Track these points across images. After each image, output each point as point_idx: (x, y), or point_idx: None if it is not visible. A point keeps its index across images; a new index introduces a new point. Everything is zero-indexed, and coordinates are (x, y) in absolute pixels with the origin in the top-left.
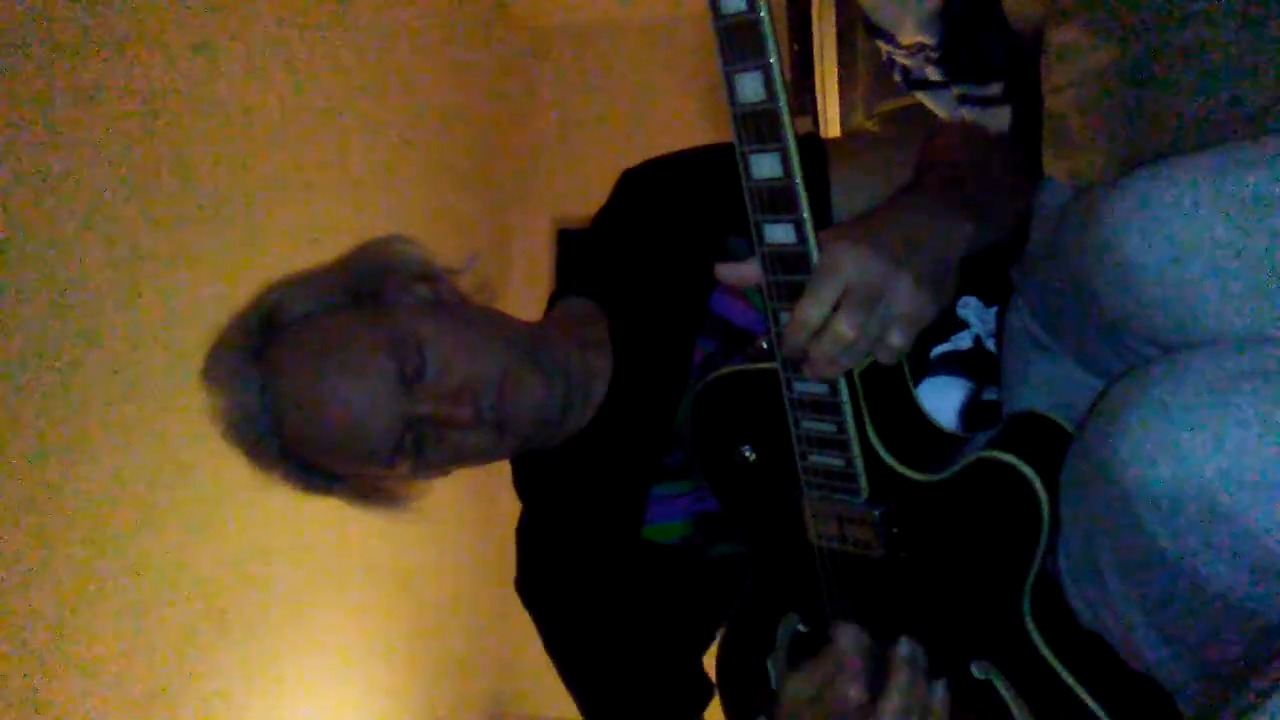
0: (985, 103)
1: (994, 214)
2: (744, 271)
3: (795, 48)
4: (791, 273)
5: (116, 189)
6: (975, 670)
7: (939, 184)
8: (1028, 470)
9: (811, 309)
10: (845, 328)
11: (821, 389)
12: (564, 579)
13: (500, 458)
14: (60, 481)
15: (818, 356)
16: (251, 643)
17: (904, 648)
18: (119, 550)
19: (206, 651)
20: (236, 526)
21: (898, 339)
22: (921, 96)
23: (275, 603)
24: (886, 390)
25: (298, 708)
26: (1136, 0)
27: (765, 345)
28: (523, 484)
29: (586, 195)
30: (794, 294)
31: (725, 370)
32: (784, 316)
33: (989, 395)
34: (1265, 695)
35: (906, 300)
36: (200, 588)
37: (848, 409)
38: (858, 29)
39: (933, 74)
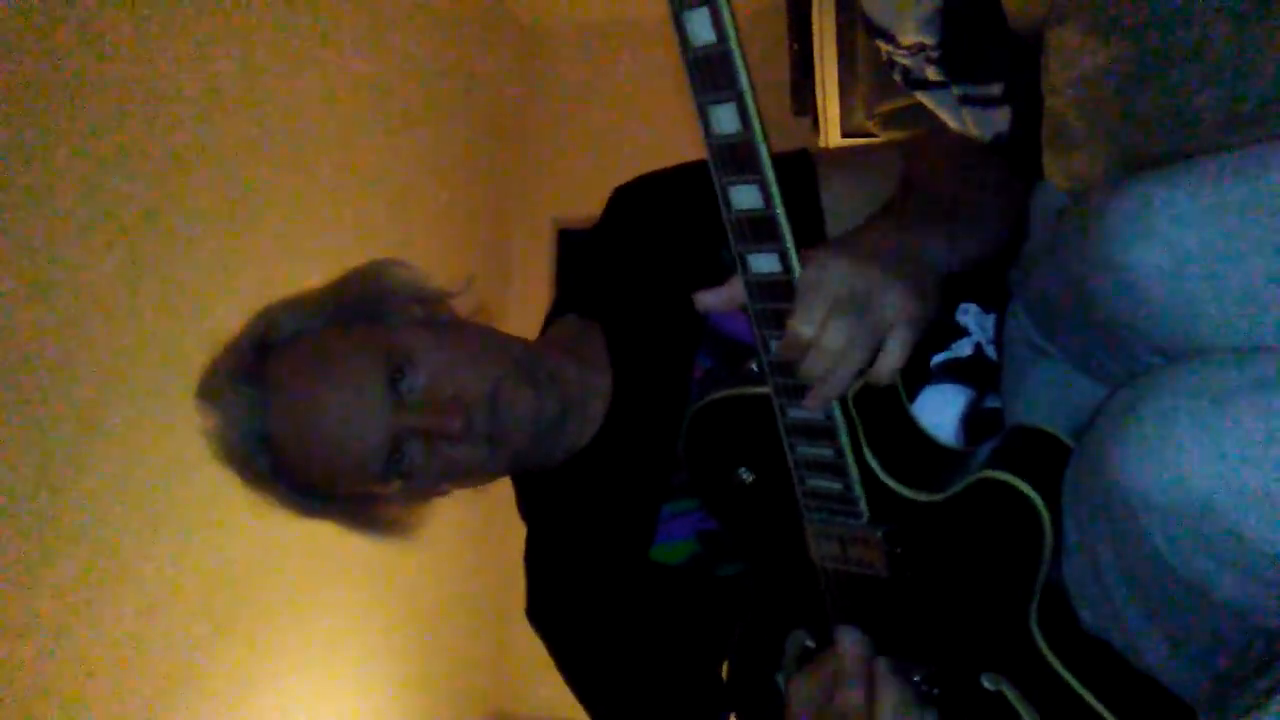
0: (985, 103)
1: (975, 233)
2: (723, 296)
3: (795, 48)
4: (777, 301)
5: (116, 190)
6: (985, 682)
7: (919, 204)
8: (1028, 489)
9: (803, 325)
10: (835, 338)
11: (816, 414)
12: (576, 603)
13: (496, 474)
14: (60, 483)
15: (810, 373)
16: (251, 644)
17: (882, 664)
18: (119, 551)
19: (206, 653)
20: (236, 528)
21: (892, 354)
22: (921, 96)
23: (275, 604)
24: (881, 410)
25: (297, 708)
26: (1136, 0)
27: (756, 369)
28: (527, 506)
29: (586, 195)
30: (781, 320)
31: (718, 395)
32: (773, 343)
33: (990, 403)
34: (1268, 695)
35: (897, 305)
36: (200, 589)
37: (843, 433)
38: (858, 29)
39: (933, 74)
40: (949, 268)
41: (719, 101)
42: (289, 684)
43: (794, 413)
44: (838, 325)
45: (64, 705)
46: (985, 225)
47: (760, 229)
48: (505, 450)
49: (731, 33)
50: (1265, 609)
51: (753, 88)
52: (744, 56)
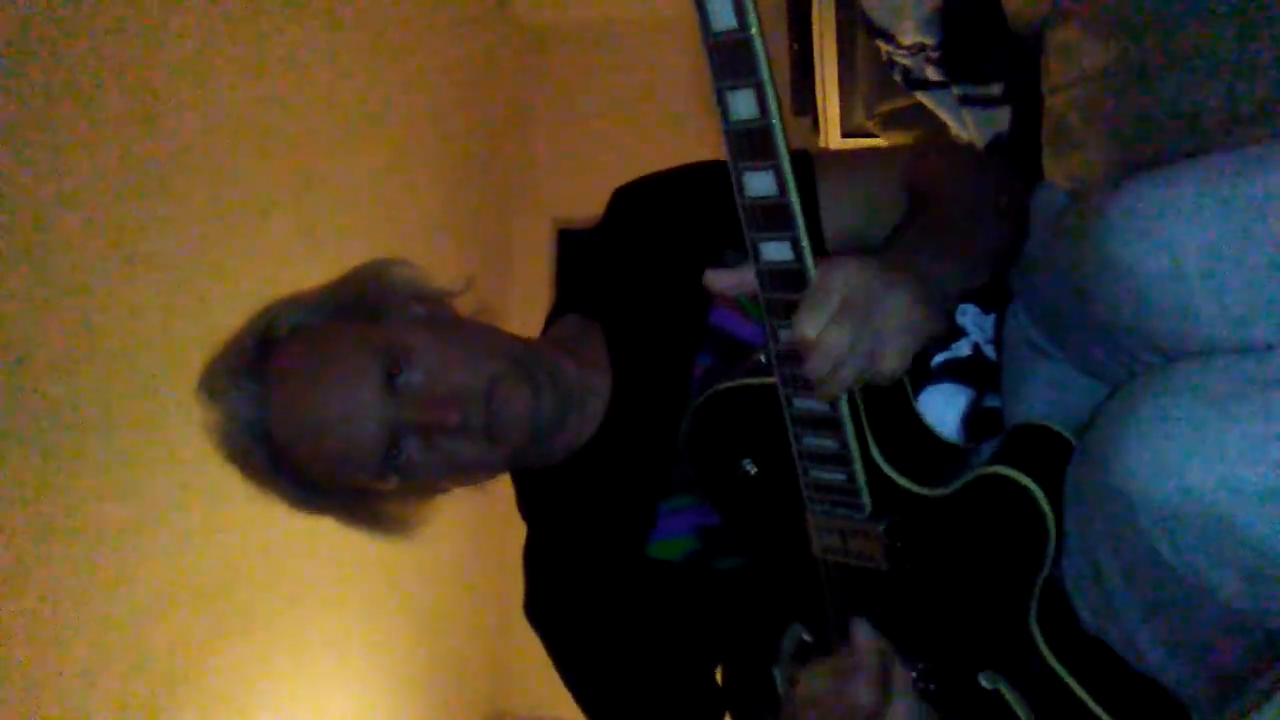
0: (985, 103)
1: (982, 258)
2: (732, 279)
3: (795, 48)
4: (788, 290)
5: (116, 190)
6: (983, 680)
7: (931, 234)
8: (1031, 485)
9: (807, 323)
10: (838, 340)
11: (822, 405)
12: (573, 602)
13: (494, 471)
14: (60, 482)
15: (812, 372)
16: (251, 643)
17: (898, 667)
18: (118, 551)
19: (205, 653)
20: (236, 527)
21: (890, 362)
22: (921, 96)
23: (274, 603)
24: (887, 404)
25: (297, 708)
26: (1137, 0)
27: (764, 360)
28: (526, 503)
29: (586, 195)
30: (791, 310)
31: (724, 385)
32: (782, 333)
33: (990, 402)
34: (1266, 696)
35: (902, 315)
36: (199, 589)
37: (848, 425)
38: (858, 29)
39: (933, 74)
40: (956, 296)
41: (737, 87)
42: (289, 684)
43: (799, 403)
44: (840, 329)
45: (64, 705)
46: (989, 251)
47: (773, 216)
48: (503, 447)
49: (753, 19)
50: (1265, 609)
51: (771, 74)
52: (765, 43)
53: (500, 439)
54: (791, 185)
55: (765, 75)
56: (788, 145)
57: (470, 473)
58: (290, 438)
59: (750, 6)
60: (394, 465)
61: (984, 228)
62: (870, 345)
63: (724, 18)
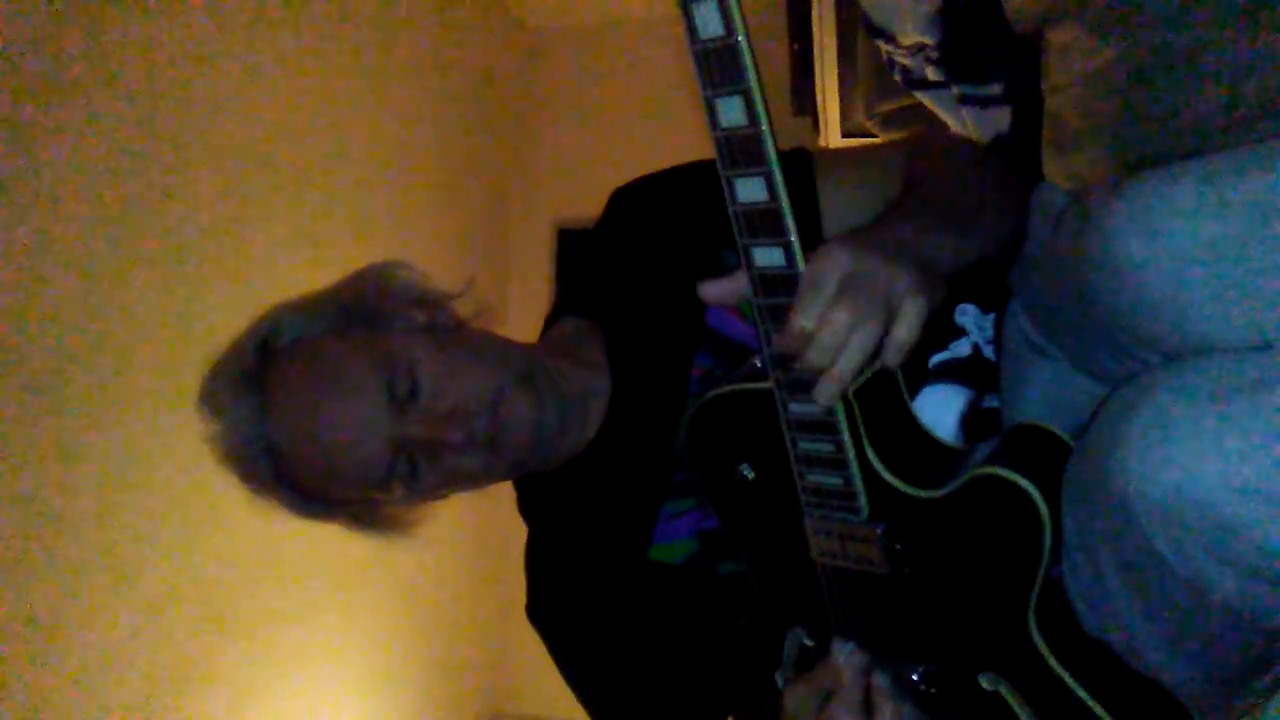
0: (985, 103)
1: (977, 232)
2: (726, 288)
3: (795, 47)
4: (781, 295)
5: (116, 190)
6: (983, 682)
7: (921, 205)
8: (1028, 485)
9: (803, 317)
10: (837, 323)
11: (817, 409)
12: (576, 604)
13: (496, 480)
14: (60, 483)
15: (813, 364)
16: (251, 644)
17: (880, 679)
18: (119, 552)
19: (206, 653)
20: (236, 528)
21: (907, 322)
22: (921, 96)
23: (275, 604)
24: (883, 406)
25: (297, 709)
26: (1136, 0)
27: (759, 364)
28: (527, 506)
29: (586, 195)
30: (784, 315)
31: (720, 391)
32: (775, 337)
33: (989, 403)
34: (1267, 695)
35: (904, 281)
36: (200, 590)
37: (844, 428)
38: (858, 29)
39: (933, 74)
40: (950, 268)
41: (726, 94)
42: (289, 684)
43: (795, 407)
44: (838, 313)
45: (64, 705)
46: (985, 228)
47: (765, 222)
48: (505, 457)
49: (740, 25)
50: (1265, 608)
51: (760, 81)
52: (752, 50)
53: (504, 449)
54: (782, 191)
55: (753, 82)
56: (778, 151)
57: (472, 482)
58: (293, 453)
59: (737, 14)
60: (397, 477)
61: (979, 212)
62: (878, 316)
63: (711, 25)
